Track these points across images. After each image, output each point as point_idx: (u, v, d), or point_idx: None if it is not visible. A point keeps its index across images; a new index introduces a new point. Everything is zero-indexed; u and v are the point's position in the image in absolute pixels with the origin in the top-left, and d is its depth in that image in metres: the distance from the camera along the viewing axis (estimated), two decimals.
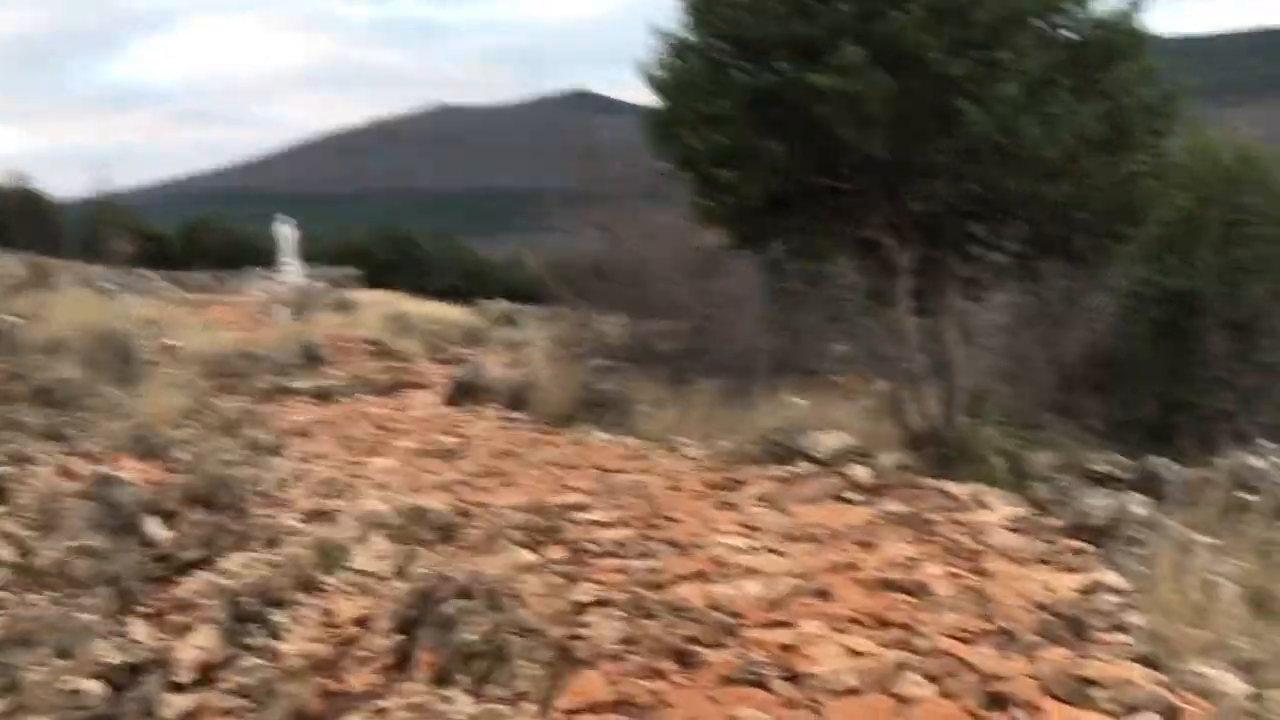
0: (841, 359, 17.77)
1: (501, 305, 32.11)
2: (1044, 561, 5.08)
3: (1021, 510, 5.98)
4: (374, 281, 51.37)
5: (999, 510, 6.00)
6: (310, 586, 4.86)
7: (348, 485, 7.20)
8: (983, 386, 10.40)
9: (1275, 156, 12.50)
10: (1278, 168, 12.05)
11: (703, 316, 10.98)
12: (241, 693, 3.64)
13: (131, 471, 6.84)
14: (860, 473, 6.94)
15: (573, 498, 6.59)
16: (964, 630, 4.07)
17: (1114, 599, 4.27)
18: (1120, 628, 3.95)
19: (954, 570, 4.96)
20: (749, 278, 12.53)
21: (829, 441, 7.50)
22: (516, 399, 11.03)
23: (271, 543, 5.37)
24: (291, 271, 44.33)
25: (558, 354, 13.09)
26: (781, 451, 7.74)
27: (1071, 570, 4.86)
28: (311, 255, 59.00)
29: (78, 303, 16.32)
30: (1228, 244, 11.44)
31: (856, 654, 3.85)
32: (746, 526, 5.82)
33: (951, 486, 6.54)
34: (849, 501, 6.34)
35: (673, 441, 8.76)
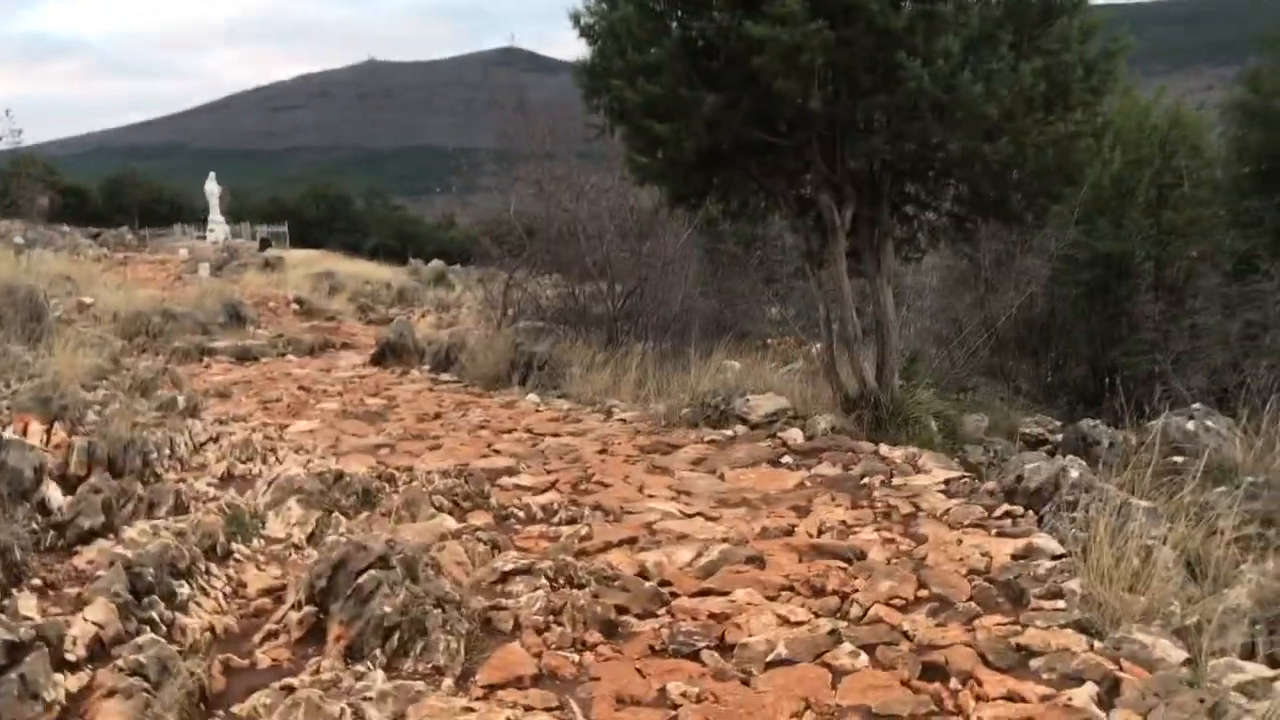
0: (775, 321, 17.83)
1: (435, 265, 31.58)
2: (980, 526, 5.00)
3: (956, 473, 5.91)
4: (304, 240, 50.45)
5: (934, 474, 5.93)
6: (218, 556, 4.60)
7: (266, 449, 6.90)
8: (915, 349, 10.40)
9: (1206, 121, 12.62)
10: (1208, 132, 12.16)
11: (637, 278, 10.78)
12: (136, 671, 3.39)
13: (34, 434, 6.48)
14: (795, 436, 6.84)
15: (501, 462, 6.38)
16: (899, 598, 3.95)
17: (1051, 564, 4.19)
18: (1057, 594, 3.87)
19: (889, 535, 4.86)
20: (683, 239, 12.37)
21: (763, 405, 7.38)
22: (445, 360, 10.76)
23: (179, 509, 5.08)
24: (219, 229, 43.26)
25: (488, 315, 12.82)
26: (715, 415, 7.61)
27: (1007, 535, 4.79)
28: (240, 212, 57.78)
29: None
30: (1159, 207, 11.53)
31: (790, 623, 3.72)
32: (679, 491, 5.67)
33: (886, 450, 6.46)
34: (784, 466, 6.22)
35: (606, 404, 8.59)
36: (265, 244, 40.66)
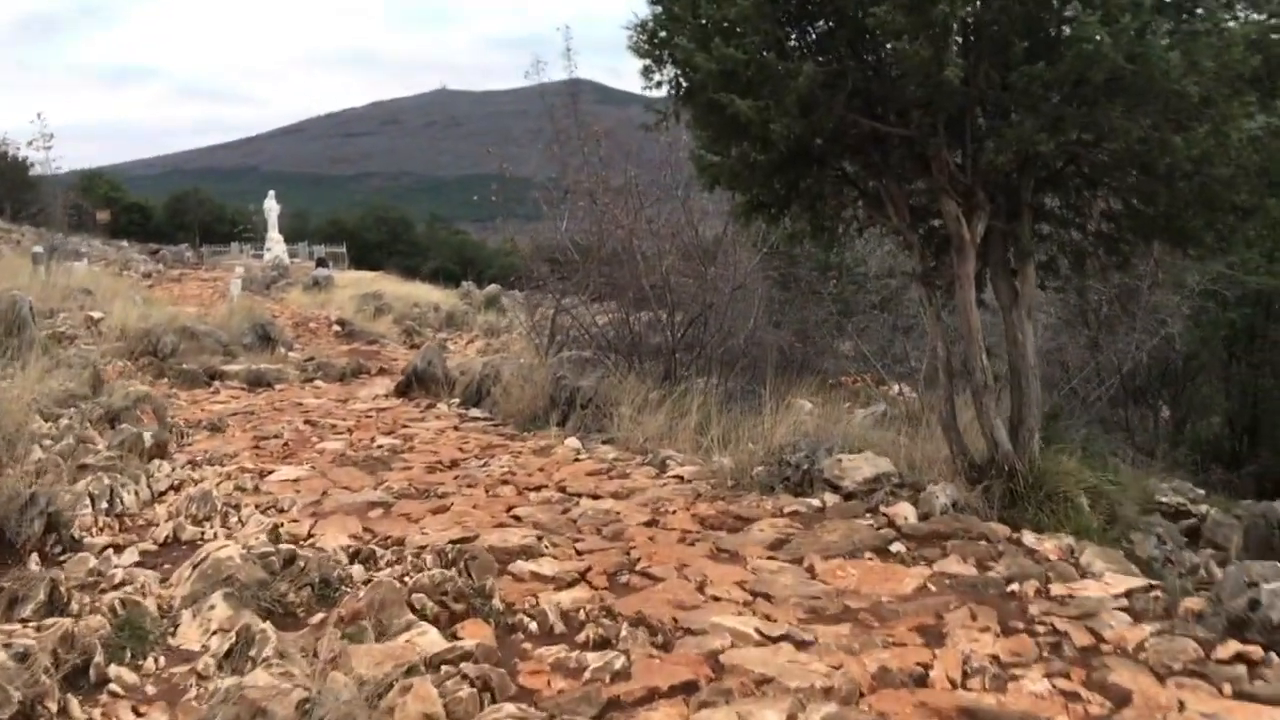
0: (850, 357, 16.19)
1: (489, 289, 30.36)
2: (1200, 675, 3.38)
3: (1139, 582, 4.27)
4: (363, 261, 49.88)
5: (1106, 579, 4.30)
6: (89, 684, 3.15)
7: (230, 505, 5.48)
8: (1056, 403, 8.72)
9: None
10: None
11: (701, 305, 9.27)
12: None
13: None
14: (904, 513, 5.23)
15: (518, 535, 4.87)
16: None
17: None
18: None
19: (1068, 686, 3.27)
20: (754, 262, 10.83)
21: (859, 467, 5.79)
22: (477, 394, 9.32)
23: (54, 607, 3.64)
24: (277, 248, 42.71)
25: (532, 342, 11.38)
26: (796, 477, 6.04)
27: (1254, 699, 3.17)
28: (302, 233, 57.60)
29: (2, 269, 14.58)
30: None
31: None
32: (754, 594, 4.11)
33: (1031, 539, 4.83)
34: (895, 558, 4.62)
35: (659, 455, 7.05)
36: (322, 264, 39.98)
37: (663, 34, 5.11)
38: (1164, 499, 7.37)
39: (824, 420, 9.69)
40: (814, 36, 5.07)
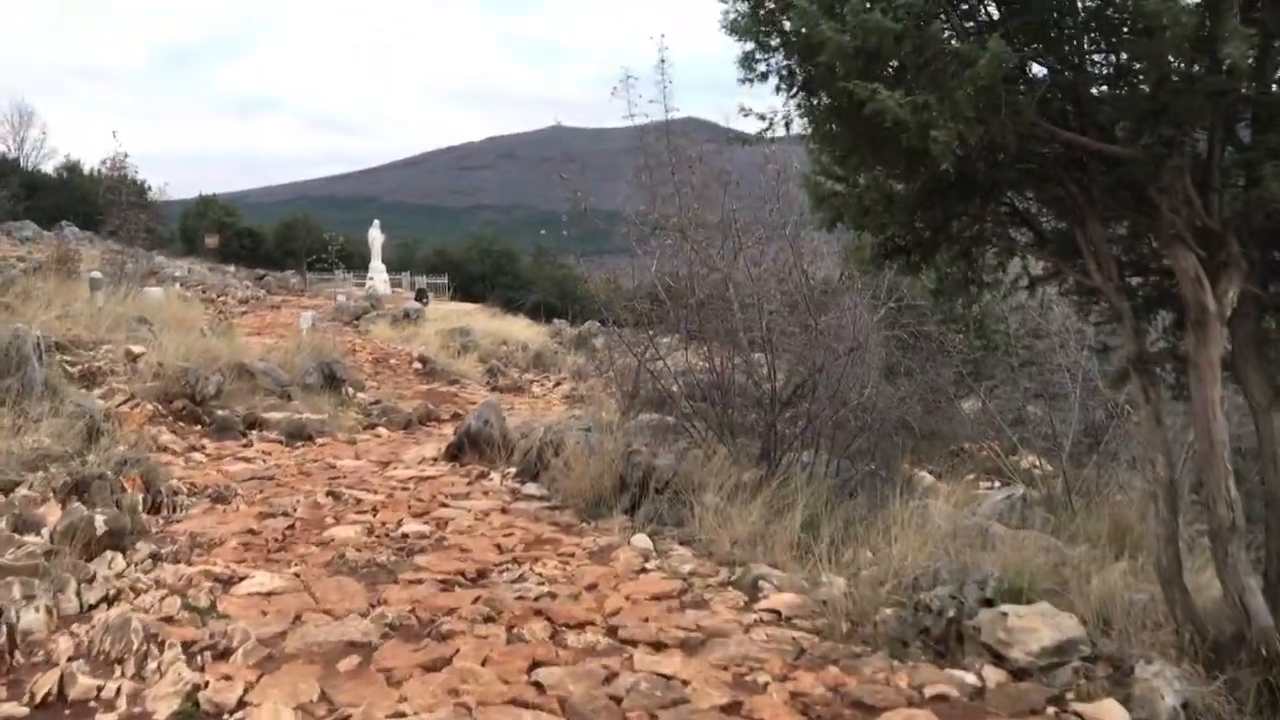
0: (974, 420, 14.29)
1: (586, 326, 29.02)
2: None
3: None
4: (468, 292, 49.41)
5: None
6: None
7: (156, 640, 4.03)
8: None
9: None
10: None
11: (808, 366, 7.58)
12: None
13: None
14: (1112, 716, 3.48)
15: None
16: None
17: None
18: None
19: None
20: (878, 316, 9.11)
21: (1034, 630, 4.04)
22: (536, 463, 7.79)
23: None
24: (379, 278, 42.36)
25: (609, 399, 9.86)
26: (938, 627, 4.33)
27: None
28: (408, 263, 57.72)
29: (56, 293, 13.70)
30: None
31: None
32: None
33: None
34: None
35: (750, 573, 5.38)
36: (422, 294, 39.42)
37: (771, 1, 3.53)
38: None
39: (955, 508, 8.02)
40: (994, 13, 3.43)
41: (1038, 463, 13.62)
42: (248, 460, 8.41)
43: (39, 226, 38.67)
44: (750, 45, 3.66)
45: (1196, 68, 3.19)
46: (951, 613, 4.37)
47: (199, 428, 9.63)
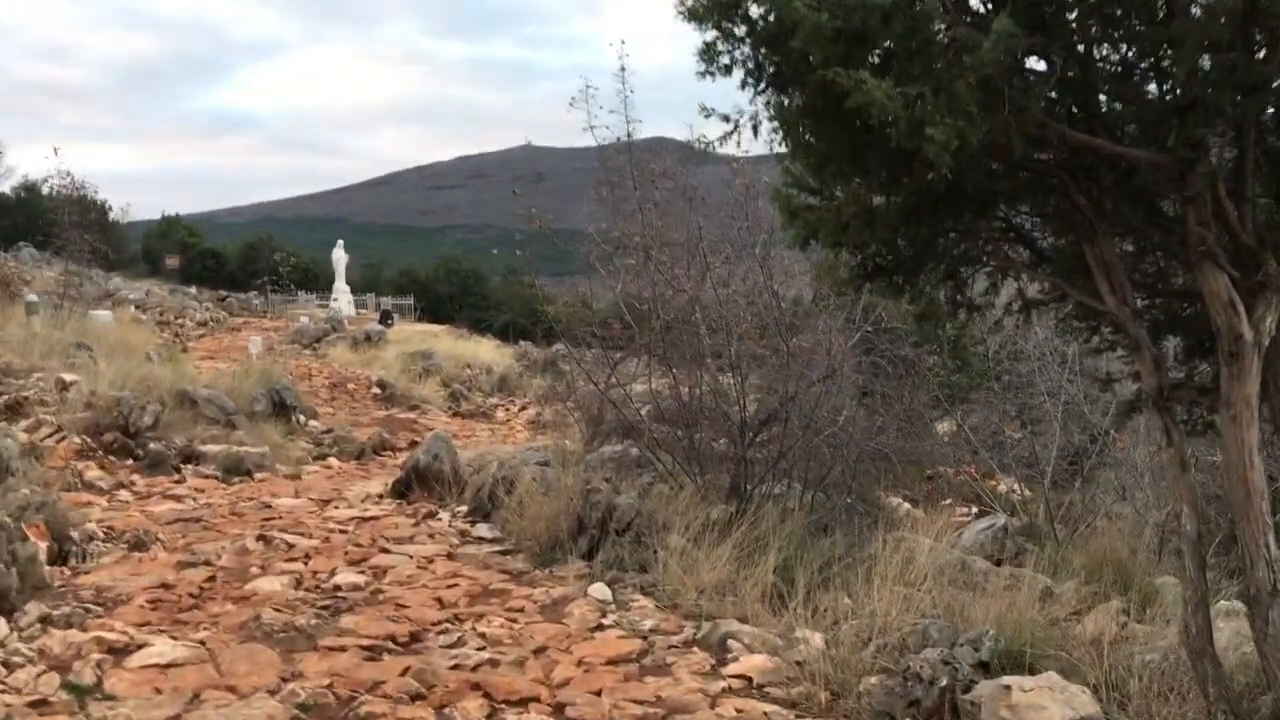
0: (950, 441, 13.83)
1: (552, 350, 28.42)
2: None
3: None
4: (434, 313, 48.68)
5: None
6: None
7: None
8: None
9: None
10: None
11: (780, 395, 7.06)
12: None
13: None
14: None
15: None
16: None
17: None
18: None
19: None
20: (846, 344, 8.57)
21: (1042, 706, 3.51)
22: (489, 501, 7.21)
23: None
24: (342, 299, 41.59)
25: (568, 429, 9.30)
26: (930, 699, 3.80)
27: None
28: (374, 284, 56.94)
29: None
30: None
31: None
32: None
33: None
34: None
35: (718, 630, 4.84)
36: (386, 316, 38.72)
37: None
38: None
39: (935, 539, 7.54)
40: None
41: (1015, 488, 13.18)
42: (178, 499, 7.77)
43: None
44: (712, 34, 3.14)
45: (1234, 56, 2.70)
46: (944, 681, 3.84)
47: (130, 462, 8.98)
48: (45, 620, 4.61)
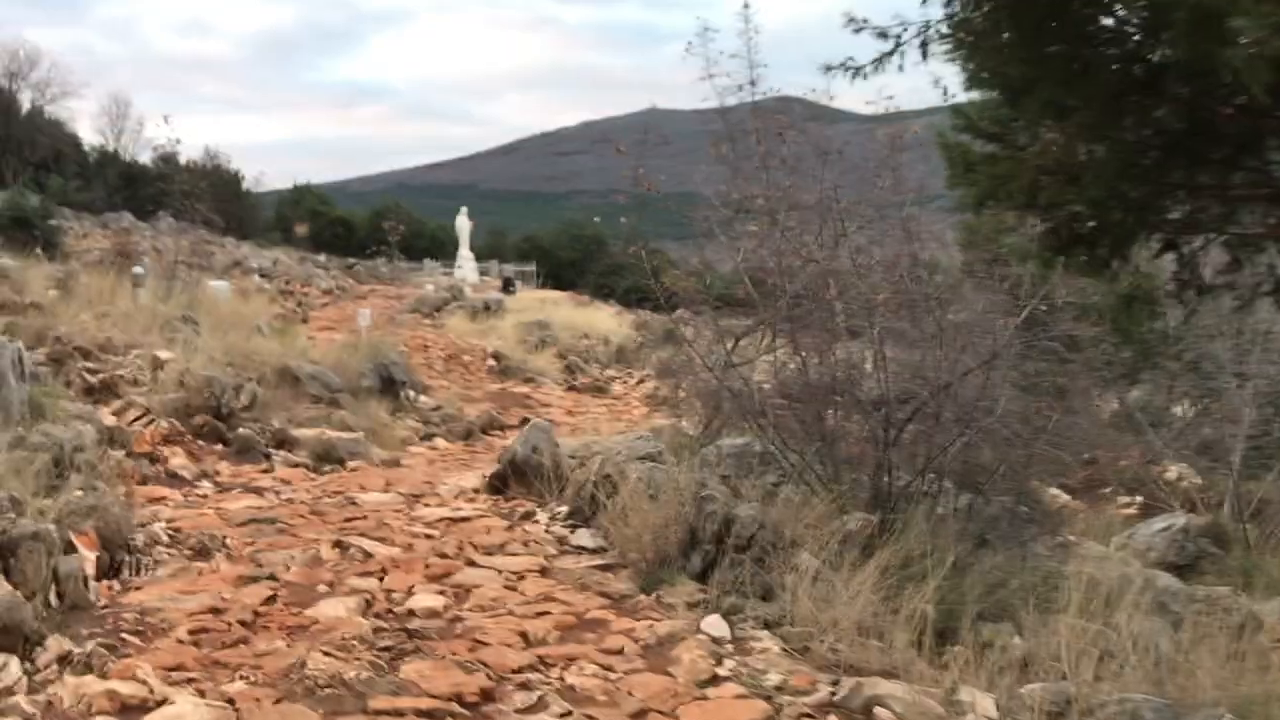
0: (1114, 423, 12.41)
1: (677, 313, 27.44)
2: None
3: None
4: (559, 280, 48.35)
5: None
6: None
7: None
8: None
9: None
10: None
11: (933, 384, 5.97)
12: None
13: None
14: None
15: None
16: None
17: None
18: None
19: None
20: (1008, 328, 7.34)
21: None
22: (590, 503, 6.37)
23: None
24: (467, 266, 41.51)
25: (683, 417, 8.39)
26: None
27: None
28: (498, 249, 57.12)
29: (105, 289, 12.81)
30: None
31: None
32: None
33: None
34: None
35: (861, 691, 3.87)
36: (509, 283, 38.51)
37: None
38: None
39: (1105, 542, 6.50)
40: None
41: (1185, 475, 11.72)
42: (259, 493, 7.19)
43: (135, 218, 38.82)
44: None
45: None
46: None
47: (220, 447, 8.48)
48: (64, 660, 3.95)
